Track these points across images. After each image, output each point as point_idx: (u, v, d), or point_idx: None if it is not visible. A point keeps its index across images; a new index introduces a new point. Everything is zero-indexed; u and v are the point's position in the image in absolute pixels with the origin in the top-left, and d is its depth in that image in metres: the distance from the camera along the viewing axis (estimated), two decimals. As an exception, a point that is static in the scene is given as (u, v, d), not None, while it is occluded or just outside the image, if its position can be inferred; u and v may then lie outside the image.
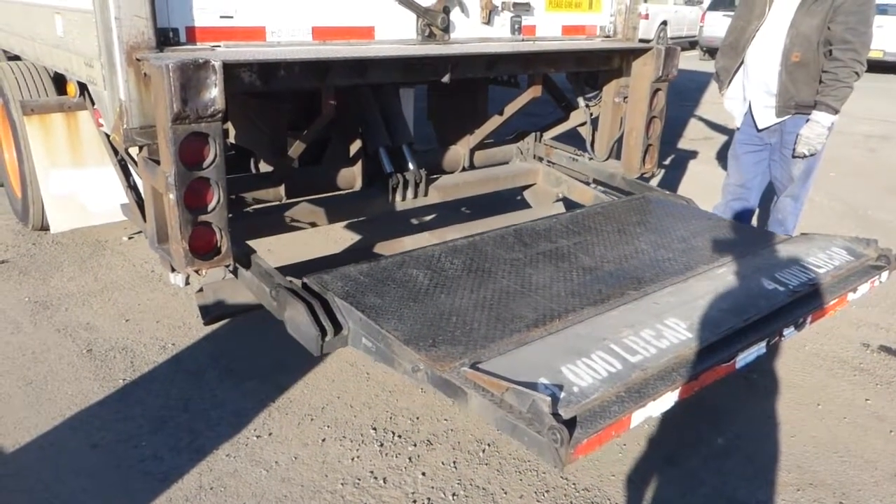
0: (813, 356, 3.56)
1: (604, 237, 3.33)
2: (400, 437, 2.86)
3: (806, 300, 2.73)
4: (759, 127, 3.93)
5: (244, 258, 2.75)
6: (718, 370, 2.28)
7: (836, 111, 3.64)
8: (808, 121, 3.72)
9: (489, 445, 2.82)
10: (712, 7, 18.00)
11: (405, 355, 2.24)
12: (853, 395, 3.23)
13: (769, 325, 2.52)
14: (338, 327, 2.43)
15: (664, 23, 18.86)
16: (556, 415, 1.85)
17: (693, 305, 2.58)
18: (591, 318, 2.48)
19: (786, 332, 2.56)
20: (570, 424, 1.86)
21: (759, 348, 2.43)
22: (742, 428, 2.97)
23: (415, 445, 2.81)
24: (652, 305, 2.60)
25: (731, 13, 4.35)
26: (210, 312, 2.88)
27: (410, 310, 2.48)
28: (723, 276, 2.86)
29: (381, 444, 2.81)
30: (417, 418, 2.97)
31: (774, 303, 2.62)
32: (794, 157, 3.82)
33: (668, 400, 2.12)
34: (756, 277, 2.83)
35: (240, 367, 3.28)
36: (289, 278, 2.67)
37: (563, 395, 1.98)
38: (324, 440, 2.82)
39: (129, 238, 4.69)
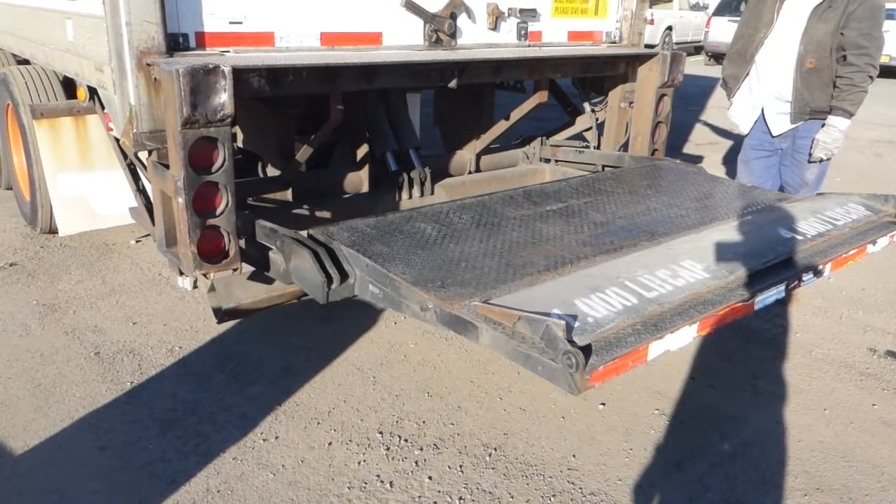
0: (819, 361, 3.55)
1: (615, 197, 3.29)
2: (406, 440, 2.86)
3: (825, 249, 2.71)
4: (774, 133, 3.95)
5: (249, 224, 2.76)
6: (737, 309, 2.24)
7: (851, 115, 3.67)
8: (823, 125, 3.74)
9: (496, 450, 2.82)
10: (717, 12, 18.01)
11: (413, 296, 2.19)
12: (860, 400, 3.23)
13: (788, 269, 2.49)
14: (344, 276, 2.42)
15: (669, 28, 18.88)
16: (570, 341, 1.80)
17: (709, 250, 2.54)
18: (604, 264, 2.44)
19: (805, 277, 2.53)
20: (586, 351, 1.80)
21: (777, 291, 2.39)
22: (748, 433, 2.97)
23: (421, 449, 2.82)
24: (666, 251, 2.56)
25: (736, 18, 4.37)
26: (223, 312, 2.89)
27: (418, 256, 2.45)
28: (739, 227, 2.82)
29: (388, 448, 2.81)
30: (424, 422, 2.98)
31: (793, 249, 2.59)
32: (810, 161, 3.83)
33: (686, 334, 2.07)
34: (773, 228, 2.80)
35: (247, 371, 3.29)
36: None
37: (577, 324, 1.92)
38: (330, 444, 2.83)
39: (137, 241, 4.71)
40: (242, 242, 2.73)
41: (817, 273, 2.58)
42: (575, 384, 1.74)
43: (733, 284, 2.32)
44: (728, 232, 2.76)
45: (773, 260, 2.48)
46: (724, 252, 2.52)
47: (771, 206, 3.16)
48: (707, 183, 3.58)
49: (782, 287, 2.41)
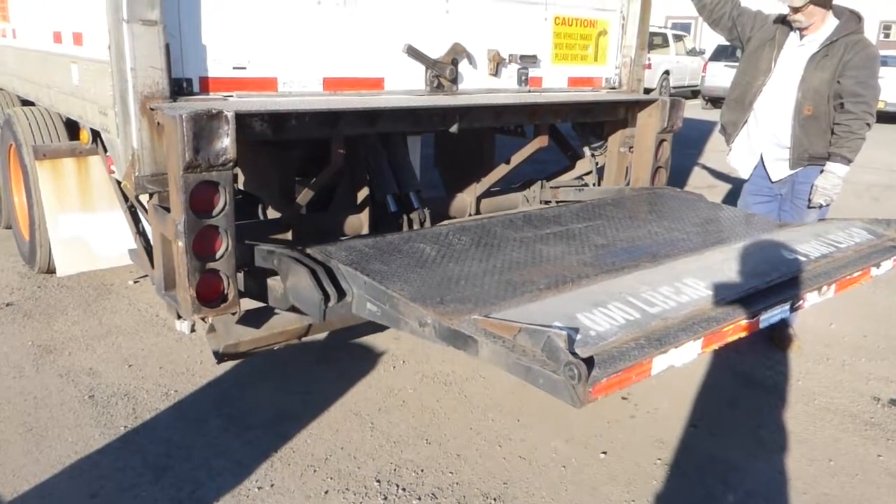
0: (823, 410, 3.51)
1: (616, 222, 3.29)
2: (404, 489, 2.81)
3: (829, 270, 2.70)
4: (773, 179, 3.97)
5: (248, 252, 2.75)
6: (742, 326, 2.22)
7: (850, 161, 3.69)
8: (822, 172, 3.76)
9: (495, 500, 2.76)
10: (714, 58, 18.30)
11: (412, 312, 2.16)
12: (865, 451, 3.18)
13: (793, 288, 2.47)
14: (342, 294, 2.40)
15: (666, 72, 19.14)
16: (572, 353, 1.75)
17: (712, 269, 2.52)
18: (606, 281, 2.42)
19: (809, 296, 2.50)
20: (588, 363, 1.75)
21: (782, 310, 2.37)
22: (753, 484, 2.91)
23: (419, 499, 2.76)
24: (669, 269, 2.55)
25: (732, 63, 4.44)
26: (222, 351, 2.86)
27: (417, 275, 2.43)
28: (742, 249, 2.81)
29: (385, 498, 2.76)
30: (422, 470, 2.92)
31: (797, 270, 2.58)
32: (809, 207, 3.85)
33: (690, 350, 2.04)
34: (776, 250, 2.80)
35: (243, 416, 3.24)
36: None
37: (579, 337, 1.88)
38: (327, 492, 2.77)
39: (135, 282, 4.69)
40: (241, 277, 2.72)
41: (822, 294, 2.57)
42: (577, 396, 1.70)
43: (737, 302, 2.30)
44: (731, 253, 2.76)
45: (777, 279, 2.47)
46: (727, 271, 2.52)
47: (773, 230, 3.17)
48: (708, 209, 3.60)
49: (787, 306, 2.40)
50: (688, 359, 2.06)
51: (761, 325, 2.31)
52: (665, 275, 2.46)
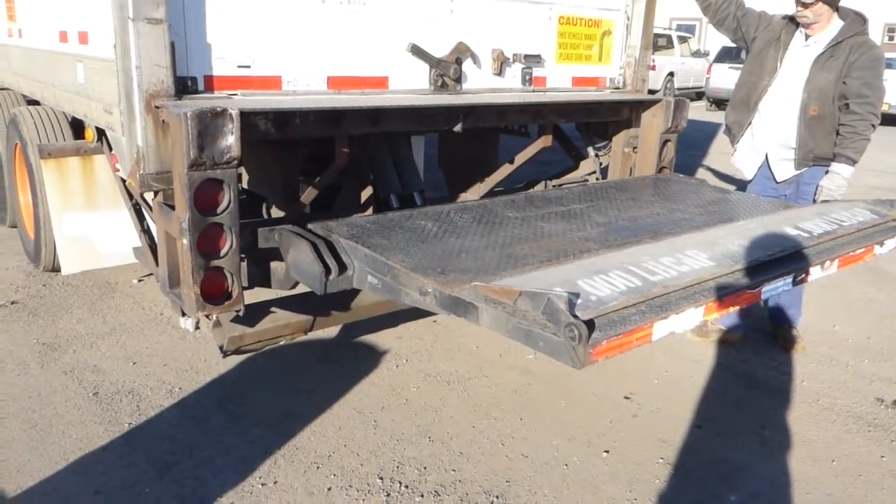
0: (826, 411, 3.50)
1: (618, 203, 3.29)
2: (407, 487, 2.81)
3: (832, 247, 2.70)
4: (778, 180, 3.97)
5: (250, 236, 2.77)
6: (743, 295, 2.22)
7: (855, 162, 3.70)
8: (827, 172, 3.76)
9: (497, 497, 2.76)
10: (718, 59, 18.29)
11: (413, 283, 2.17)
12: (868, 452, 3.17)
13: (795, 262, 2.48)
14: (343, 267, 2.43)
15: (671, 74, 19.12)
16: (573, 315, 1.75)
17: (714, 243, 2.52)
18: (607, 254, 2.43)
19: (812, 271, 2.50)
20: (589, 326, 1.74)
21: (784, 282, 2.37)
22: (756, 485, 2.91)
23: (422, 496, 2.76)
24: (671, 243, 2.56)
25: (737, 65, 4.44)
26: (228, 342, 2.86)
27: (418, 248, 2.45)
28: (744, 226, 2.81)
29: (388, 495, 2.76)
30: (425, 468, 2.93)
31: (800, 245, 2.58)
32: None
33: (691, 316, 2.04)
34: (779, 226, 2.80)
35: (247, 413, 3.25)
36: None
37: (580, 301, 1.88)
38: (329, 489, 2.78)
39: (139, 280, 4.71)
40: (244, 267, 2.72)
41: (825, 268, 2.57)
42: (577, 358, 1.70)
43: (739, 273, 2.30)
44: (733, 229, 2.76)
45: (779, 253, 2.47)
46: (729, 245, 2.52)
47: (776, 210, 3.17)
48: (711, 192, 3.61)
49: (790, 278, 2.40)
50: (689, 325, 2.07)
51: (763, 296, 2.32)
52: (667, 247, 2.47)
